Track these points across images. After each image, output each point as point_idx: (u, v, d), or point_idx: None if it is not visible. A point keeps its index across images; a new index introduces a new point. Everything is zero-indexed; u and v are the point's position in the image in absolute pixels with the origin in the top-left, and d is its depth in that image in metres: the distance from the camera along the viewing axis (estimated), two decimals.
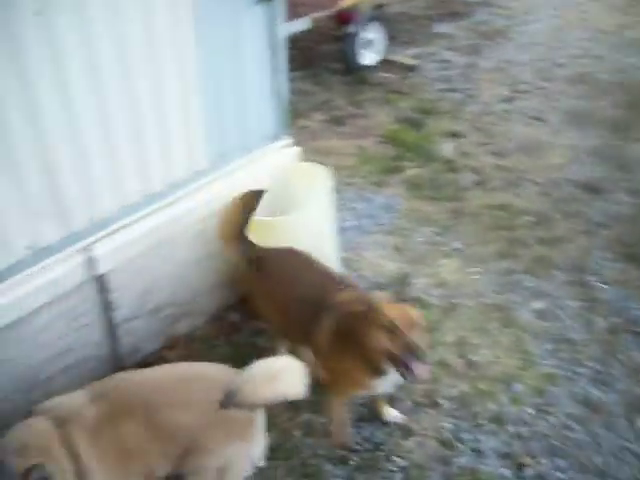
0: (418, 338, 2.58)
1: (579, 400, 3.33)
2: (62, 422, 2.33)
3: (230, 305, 3.90)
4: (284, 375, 2.43)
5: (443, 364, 3.54)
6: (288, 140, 4.09)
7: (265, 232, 3.41)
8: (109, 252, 3.19)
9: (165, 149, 3.33)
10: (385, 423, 3.21)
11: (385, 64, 7.24)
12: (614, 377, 3.45)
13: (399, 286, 4.05)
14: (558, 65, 7.26)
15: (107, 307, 3.31)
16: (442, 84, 6.91)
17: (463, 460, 3.05)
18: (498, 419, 3.23)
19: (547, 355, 3.61)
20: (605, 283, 4.11)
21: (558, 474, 2.97)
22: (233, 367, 2.56)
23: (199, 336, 3.74)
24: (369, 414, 3.25)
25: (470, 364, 3.56)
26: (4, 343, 2.94)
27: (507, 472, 2.99)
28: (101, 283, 3.23)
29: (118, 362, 3.47)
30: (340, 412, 3.07)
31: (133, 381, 2.57)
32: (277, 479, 2.97)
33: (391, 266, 4.26)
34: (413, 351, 2.53)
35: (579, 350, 3.63)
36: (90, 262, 3.12)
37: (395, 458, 3.05)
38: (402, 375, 2.62)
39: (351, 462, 3.05)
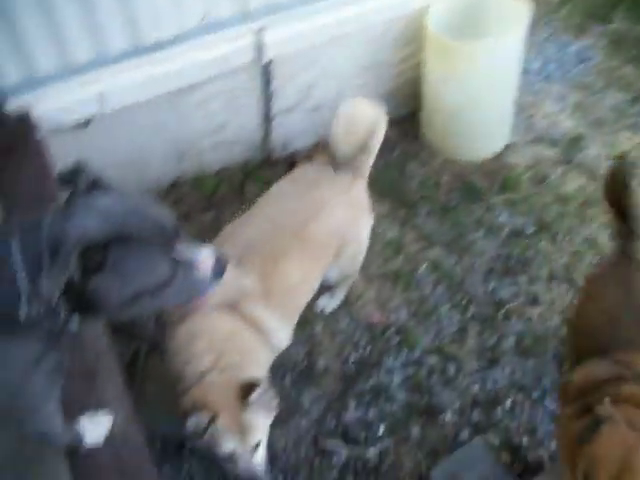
0: None
1: None
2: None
3: (390, 121, 3.74)
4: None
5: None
6: None
7: (449, 54, 3.18)
8: (279, 39, 3.09)
9: None
10: None
11: None
12: None
13: (569, 148, 3.73)
14: None
15: (267, 95, 3.28)
16: None
17: None
18: None
19: None
20: None
21: None
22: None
23: None
24: None
25: None
26: (162, 108, 3.00)
27: None
28: (266, 69, 3.18)
29: (266, 152, 3.50)
30: None
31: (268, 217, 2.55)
32: None
33: (567, 123, 3.90)
34: None
35: None
36: (259, 45, 3.05)
37: None
38: None
39: None
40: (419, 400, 2.74)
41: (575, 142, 3.77)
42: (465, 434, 2.65)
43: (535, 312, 2.99)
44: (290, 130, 3.49)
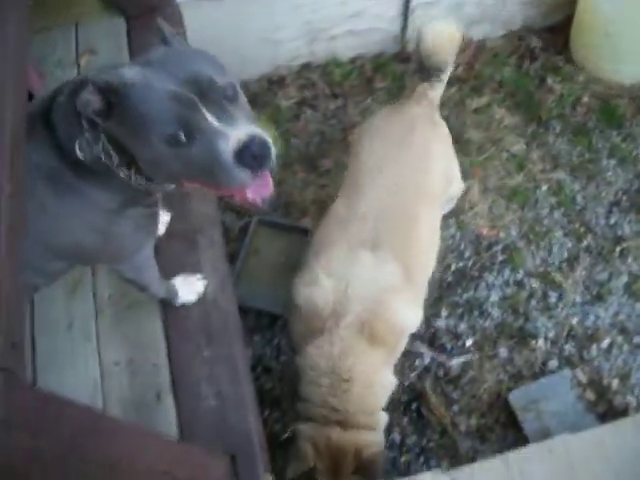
0: None
1: None
2: None
3: (536, 29, 3.51)
4: None
5: None
6: None
7: None
8: None
9: None
10: None
11: None
12: None
13: None
14: None
15: None
16: None
17: None
18: None
19: None
20: None
21: None
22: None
23: (490, 48, 3.46)
24: None
25: None
26: None
27: None
28: None
29: (400, 46, 3.38)
30: None
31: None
32: None
33: None
34: None
35: None
36: None
37: None
38: None
39: None
40: (513, 321, 2.69)
41: None
42: (554, 364, 2.60)
43: None
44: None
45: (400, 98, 2.58)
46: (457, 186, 2.65)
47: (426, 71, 2.40)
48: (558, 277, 2.77)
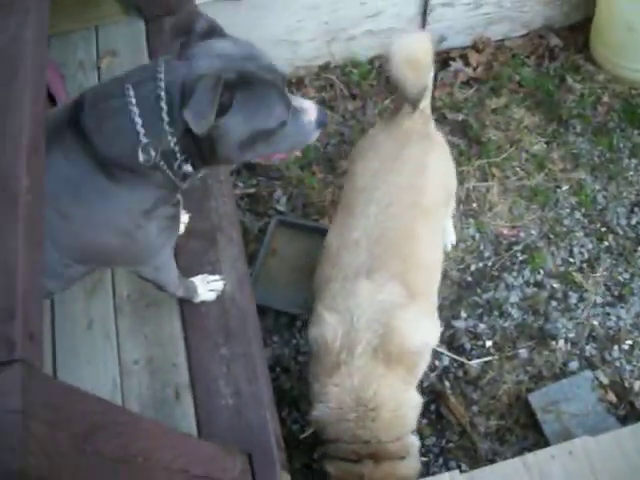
0: None
1: None
2: None
3: (556, 28, 3.48)
4: None
5: None
6: None
7: None
8: None
9: None
10: None
11: None
12: None
13: None
14: None
15: None
16: None
17: None
18: None
19: None
20: None
21: None
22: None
23: (509, 47, 3.44)
24: None
25: None
26: None
27: None
28: None
29: None
30: None
31: None
32: None
33: None
34: None
35: None
36: None
37: None
38: None
39: None
40: (533, 322, 2.66)
41: None
42: (574, 365, 2.57)
43: None
44: (447, 25, 3.32)
45: (390, 111, 2.51)
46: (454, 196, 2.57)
47: (404, 93, 2.24)
48: (579, 277, 2.74)
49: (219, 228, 2.20)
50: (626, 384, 2.52)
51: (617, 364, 2.57)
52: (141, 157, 1.47)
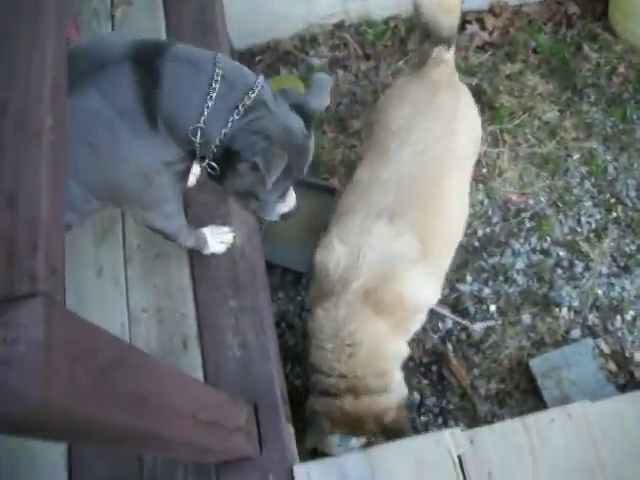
0: None
1: None
2: None
3: None
4: None
5: None
6: None
7: None
8: None
9: None
10: None
11: None
12: None
13: None
14: None
15: None
16: None
17: None
18: None
19: None
20: None
21: None
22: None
23: (527, 12, 3.39)
24: None
25: None
26: None
27: None
28: None
29: None
30: None
31: None
32: None
33: None
34: None
35: None
36: None
37: None
38: None
39: None
40: (538, 289, 2.68)
41: None
42: (576, 333, 2.59)
43: None
44: None
45: (415, 66, 2.50)
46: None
47: (436, 34, 2.30)
48: (585, 247, 2.75)
49: None
50: (627, 354, 2.54)
51: (619, 334, 2.59)
52: (190, 133, 1.54)
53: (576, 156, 2.97)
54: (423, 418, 2.48)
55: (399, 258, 2.00)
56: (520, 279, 2.70)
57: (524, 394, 2.51)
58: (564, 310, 2.63)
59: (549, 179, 2.91)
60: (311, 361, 2.10)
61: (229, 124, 1.53)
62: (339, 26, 3.35)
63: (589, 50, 3.25)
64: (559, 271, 2.71)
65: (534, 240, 2.78)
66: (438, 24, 2.25)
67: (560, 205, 2.85)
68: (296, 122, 1.62)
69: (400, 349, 2.13)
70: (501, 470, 1.88)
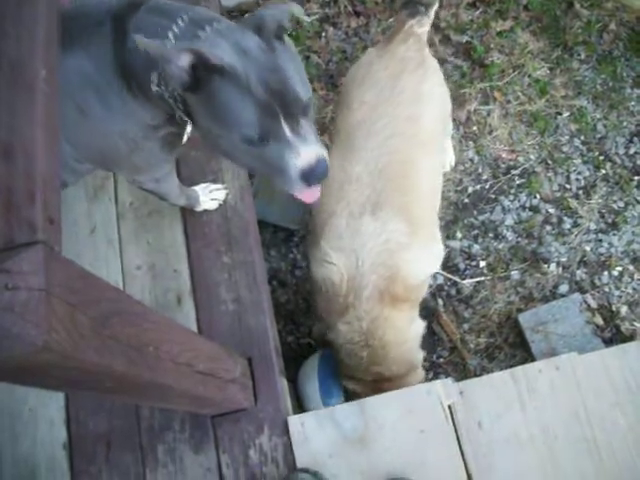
0: None
1: None
2: None
3: None
4: None
5: None
6: None
7: None
8: None
9: None
10: None
11: None
12: None
13: None
14: None
15: None
16: None
17: None
18: None
19: None
20: None
21: None
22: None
23: None
24: None
25: None
26: None
27: None
28: None
29: None
30: None
31: None
32: None
33: None
34: None
35: None
36: None
37: None
38: None
39: None
40: (527, 245, 2.72)
41: None
42: (564, 288, 2.64)
43: None
44: None
45: (386, 37, 2.46)
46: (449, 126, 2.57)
47: (414, 6, 2.26)
48: (574, 204, 2.78)
49: None
50: (613, 308, 2.59)
51: (606, 289, 2.63)
52: (153, 85, 1.46)
53: (566, 114, 2.98)
54: None
55: (394, 248, 2.00)
56: (509, 235, 2.73)
57: (513, 348, 2.56)
58: (552, 266, 2.67)
59: (539, 136, 2.92)
60: (346, 363, 2.13)
61: None
62: None
63: (580, 7, 3.23)
64: (548, 227, 2.74)
65: (523, 197, 2.80)
66: None
67: (549, 162, 2.87)
68: (249, 41, 1.40)
69: (418, 326, 2.19)
70: (490, 420, 1.93)
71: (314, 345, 2.57)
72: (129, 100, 1.53)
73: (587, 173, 2.85)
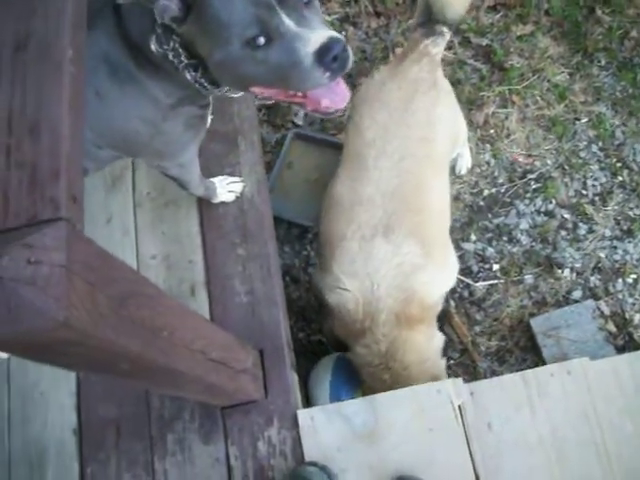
0: None
1: None
2: None
3: None
4: None
5: None
6: None
7: None
8: None
9: None
10: None
11: None
12: None
13: None
14: None
15: None
16: None
17: None
18: None
19: None
20: None
21: None
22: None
23: None
24: None
25: None
26: None
27: None
28: None
29: None
30: None
31: None
32: None
33: None
34: None
35: None
36: None
37: None
38: None
39: None
40: (541, 250, 2.70)
41: None
42: (578, 294, 2.62)
43: None
44: None
45: (398, 55, 2.44)
46: (463, 137, 2.57)
47: (431, 26, 2.23)
48: (590, 210, 2.76)
49: (241, 131, 2.21)
50: (626, 316, 2.57)
51: (619, 296, 2.62)
52: (153, 47, 1.46)
53: (584, 119, 2.96)
54: None
55: (409, 271, 1.98)
56: (524, 239, 2.72)
57: (524, 352, 2.55)
58: (566, 271, 2.66)
59: (556, 141, 2.91)
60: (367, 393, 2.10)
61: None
62: None
63: (601, 14, 3.22)
64: (563, 233, 2.73)
65: (539, 201, 2.79)
66: (446, 9, 2.17)
67: (566, 168, 2.86)
68: None
69: (438, 340, 2.18)
70: (500, 421, 1.93)
71: (325, 342, 2.57)
72: (142, 78, 1.54)
73: (604, 179, 2.84)
